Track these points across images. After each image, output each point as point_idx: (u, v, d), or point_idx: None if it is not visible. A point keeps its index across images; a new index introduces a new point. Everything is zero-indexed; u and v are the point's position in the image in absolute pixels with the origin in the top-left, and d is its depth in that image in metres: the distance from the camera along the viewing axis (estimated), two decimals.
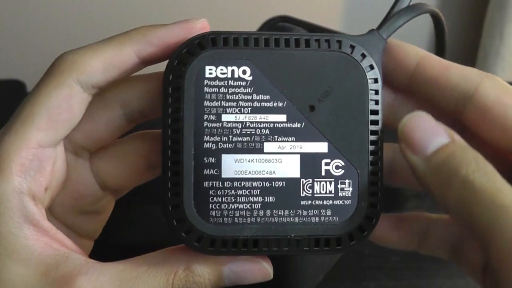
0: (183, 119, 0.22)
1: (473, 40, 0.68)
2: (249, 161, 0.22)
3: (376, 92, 0.22)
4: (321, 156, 0.22)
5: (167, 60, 0.23)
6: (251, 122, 0.22)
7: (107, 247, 0.28)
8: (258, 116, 0.22)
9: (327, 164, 0.22)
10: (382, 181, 0.22)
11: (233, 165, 0.22)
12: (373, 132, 0.22)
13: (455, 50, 0.72)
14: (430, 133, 0.21)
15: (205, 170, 0.22)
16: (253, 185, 0.22)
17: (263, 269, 0.23)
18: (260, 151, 0.22)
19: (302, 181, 0.22)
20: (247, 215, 0.22)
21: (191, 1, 0.67)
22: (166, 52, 0.23)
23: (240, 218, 0.22)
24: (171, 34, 0.23)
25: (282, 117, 0.22)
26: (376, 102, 0.22)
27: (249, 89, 0.22)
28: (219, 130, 0.22)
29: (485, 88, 0.22)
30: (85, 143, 0.25)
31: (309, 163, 0.22)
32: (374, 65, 0.22)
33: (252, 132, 0.22)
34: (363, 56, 0.22)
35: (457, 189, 0.20)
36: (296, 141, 0.22)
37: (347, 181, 0.22)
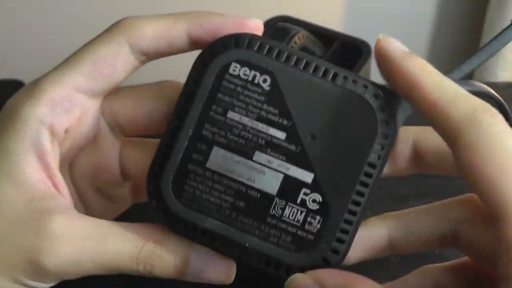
0: (194, 101, 0.22)
1: (473, 40, 0.68)
2: (235, 161, 0.22)
3: (382, 148, 0.22)
4: (303, 184, 0.22)
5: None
6: (252, 128, 0.22)
7: None
8: (260, 124, 0.22)
9: (305, 194, 0.22)
10: (352, 233, 0.22)
11: (220, 160, 0.22)
12: (363, 183, 0.22)
13: (455, 50, 0.72)
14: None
15: (194, 154, 0.22)
16: (230, 185, 0.22)
17: (229, 270, 0.23)
18: (250, 157, 0.22)
19: (276, 200, 0.22)
20: (214, 209, 0.22)
21: (191, 0, 0.67)
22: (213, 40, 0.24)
23: (206, 209, 0.22)
24: (224, 24, 0.23)
25: (282, 135, 0.22)
26: (378, 157, 0.22)
27: (263, 97, 0.22)
28: (221, 123, 0.22)
29: (460, 145, 0.20)
30: (124, 122, 0.25)
31: (289, 187, 0.22)
32: (390, 121, 0.22)
33: (249, 137, 0.22)
34: (382, 108, 0.22)
35: None
36: (285, 161, 0.22)
37: (318, 217, 0.22)
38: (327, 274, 0.22)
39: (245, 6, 0.68)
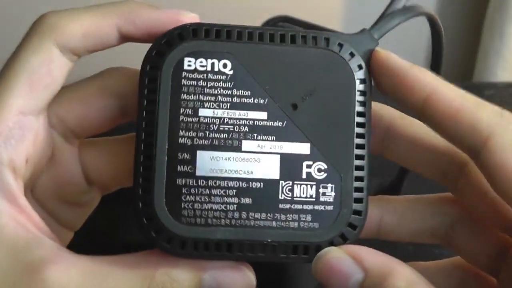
0: (158, 111, 0.21)
1: (473, 40, 0.68)
2: (225, 159, 0.21)
3: (363, 93, 0.21)
4: (303, 157, 0.21)
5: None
6: (230, 118, 0.21)
7: (95, 245, 0.27)
8: (237, 112, 0.21)
9: (308, 166, 0.21)
10: (368, 188, 0.21)
11: (209, 163, 0.21)
12: (359, 135, 0.21)
13: (455, 50, 0.72)
14: (343, 278, 0.20)
15: (178, 167, 0.21)
16: (229, 185, 0.21)
17: (246, 277, 0.21)
18: (238, 149, 0.21)
19: (282, 183, 0.21)
20: (221, 216, 0.21)
21: (190, 0, 0.67)
22: (147, 35, 0.22)
23: (213, 220, 0.21)
24: (157, 19, 0.22)
25: (263, 115, 0.21)
26: (363, 104, 0.21)
27: (229, 83, 0.21)
28: (196, 125, 0.21)
29: (492, 146, 0.20)
30: (75, 126, 0.24)
31: (290, 165, 0.21)
32: (363, 65, 0.22)
33: (230, 129, 0.21)
34: (352, 55, 0.22)
35: None
36: (276, 140, 0.21)
37: (329, 185, 0.21)
38: (365, 253, 0.20)
39: (245, 6, 0.68)
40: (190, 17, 0.22)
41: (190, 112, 0.21)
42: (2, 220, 0.19)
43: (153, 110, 0.21)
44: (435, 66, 0.29)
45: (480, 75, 0.67)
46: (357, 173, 0.21)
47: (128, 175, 0.22)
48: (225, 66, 0.21)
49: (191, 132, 0.21)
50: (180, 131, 0.21)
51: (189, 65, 0.21)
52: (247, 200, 0.21)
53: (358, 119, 0.21)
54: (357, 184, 0.21)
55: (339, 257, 0.20)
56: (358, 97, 0.21)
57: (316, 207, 0.21)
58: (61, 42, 0.21)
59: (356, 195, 0.21)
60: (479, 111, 0.20)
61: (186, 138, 0.21)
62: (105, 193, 0.27)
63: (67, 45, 0.21)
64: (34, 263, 0.19)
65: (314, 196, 0.21)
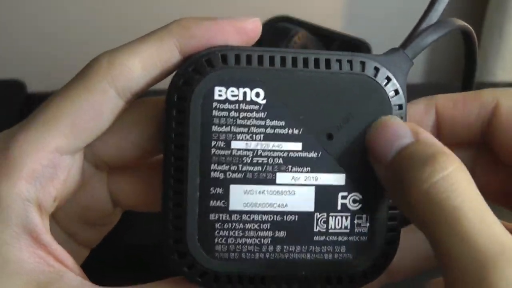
0: (188, 145, 0.20)
1: None
2: (259, 192, 0.20)
3: (401, 119, 0.21)
4: (338, 188, 0.20)
5: None
6: (263, 150, 0.20)
7: (106, 249, 0.27)
8: (271, 143, 0.20)
9: (343, 197, 0.20)
10: (401, 217, 0.21)
11: (242, 197, 0.20)
12: None
13: (455, 50, 0.72)
14: (392, 137, 0.19)
15: (211, 202, 0.20)
16: (263, 219, 0.20)
17: None
18: (272, 182, 0.20)
19: (317, 215, 0.20)
20: (255, 250, 0.20)
21: (190, 0, 0.67)
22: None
23: (247, 254, 0.20)
24: (219, 29, 0.20)
25: (298, 146, 0.20)
26: None
27: (262, 113, 0.20)
28: (228, 158, 0.20)
29: (502, 105, 0.21)
30: (108, 158, 0.23)
31: (325, 196, 0.20)
32: (399, 89, 0.21)
33: (264, 161, 0.20)
34: (388, 79, 0.20)
35: (414, 199, 0.18)
36: (311, 172, 0.20)
37: (364, 216, 0.20)
38: (424, 131, 0.20)
39: (245, 6, 0.68)
40: (253, 24, 0.21)
41: (222, 145, 0.20)
42: (24, 255, 0.19)
43: (183, 144, 0.20)
44: (468, 81, 0.27)
45: (479, 75, 0.67)
46: (391, 202, 0.21)
47: (158, 200, 0.21)
48: (257, 95, 0.20)
49: (224, 165, 0.20)
50: (212, 165, 0.20)
51: (220, 95, 0.20)
52: (281, 234, 0.20)
53: None
54: (391, 213, 0.21)
55: (397, 121, 0.20)
56: None
57: (351, 238, 0.20)
58: (119, 82, 0.20)
59: (390, 224, 0.21)
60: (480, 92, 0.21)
61: (218, 172, 0.20)
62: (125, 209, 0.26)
63: (126, 85, 0.20)
64: None
65: (349, 227, 0.20)
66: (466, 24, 0.24)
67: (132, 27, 0.69)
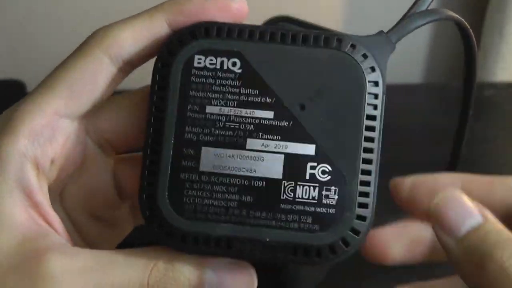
0: (167, 107, 0.21)
1: None
2: (229, 156, 0.21)
3: (376, 96, 0.21)
4: (308, 158, 0.21)
5: None
6: (236, 116, 0.21)
7: None
8: (244, 110, 0.21)
9: (312, 167, 0.21)
10: (374, 193, 0.21)
11: (213, 159, 0.21)
12: (368, 139, 0.21)
13: (455, 50, 0.72)
14: (462, 213, 0.21)
15: (183, 161, 0.21)
16: (231, 182, 0.21)
17: (248, 277, 0.21)
18: (242, 147, 0.21)
19: (284, 183, 0.21)
20: (222, 212, 0.21)
21: None
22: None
23: (214, 215, 0.21)
24: (205, 6, 0.22)
25: (269, 114, 0.21)
26: (375, 107, 0.21)
27: (237, 82, 0.21)
28: (202, 121, 0.21)
29: None
30: (112, 137, 0.24)
31: (294, 165, 0.21)
32: (376, 67, 0.21)
33: (236, 127, 0.21)
34: (364, 56, 0.21)
35: (492, 274, 0.19)
36: (281, 140, 0.21)
37: (333, 188, 0.20)
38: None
39: None
40: (238, 3, 0.22)
41: (197, 109, 0.21)
42: (15, 210, 0.20)
43: (162, 106, 0.21)
44: (469, 77, 0.27)
45: (480, 75, 0.67)
46: (363, 178, 0.21)
47: None
48: (234, 64, 0.21)
49: (197, 128, 0.21)
50: (187, 127, 0.21)
51: (199, 63, 0.21)
52: (248, 198, 0.21)
53: (368, 122, 0.21)
54: (362, 188, 0.21)
55: (465, 197, 0.21)
56: (369, 100, 0.21)
57: (318, 209, 0.20)
58: (112, 50, 0.21)
59: (361, 199, 0.21)
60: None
61: (192, 134, 0.21)
62: (137, 222, 0.26)
63: (118, 53, 0.21)
64: (38, 251, 0.20)
65: (316, 197, 0.21)
66: (457, 16, 0.24)
67: None
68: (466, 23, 0.24)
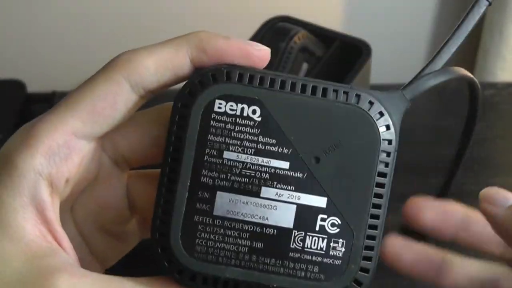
0: (184, 148, 0.21)
1: (473, 40, 0.68)
2: (243, 202, 0.21)
3: (388, 154, 0.22)
4: (318, 210, 0.21)
5: None
6: (252, 164, 0.21)
7: None
8: (260, 159, 0.21)
9: (323, 219, 0.21)
10: (378, 248, 0.22)
11: (227, 204, 0.21)
12: (377, 195, 0.21)
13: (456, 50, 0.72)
14: (505, 194, 0.24)
15: (197, 204, 0.21)
16: (244, 228, 0.21)
17: None
18: (257, 194, 0.21)
19: (294, 232, 0.21)
20: (232, 256, 0.21)
21: (192, 0, 0.67)
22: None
23: (224, 259, 0.21)
24: (228, 50, 0.22)
25: (285, 164, 0.21)
26: (386, 165, 0.22)
27: (256, 130, 0.21)
28: (219, 166, 0.21)
29: None
30: (127, 153, 0.24)
31: (305, 216, 0.21)
32: (391, 125, 0.22)
33: (252, 174, 0.21)
34: (381, 114, 0.22)
35: None
36: (295, 191, 0.21)
37: (340, 240, 0.21)
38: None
39: (245, 6, 0.68)
40: (261, 51, 0.22)
41: (215, 153, 0.21)
42: (27, 225, 0.20)
43: (180, 146, 0.21)
44: (468, 130, 0.28)
45: (480, 75, 0.67)
46: (370, 232, 0.21)
47: None
48: (254, 112, 0.21)
49: (214, 172, 0.21)
50: (203, 170, 0.21)
51: (219, 107, 0.21)
52: (259, 245, 0.21)
53: (379, 179, 0.21)
54: (368, 242, 0.21)
55: (502, 191, 0.25)
56: (382, 157, 0.22)
57: (325, 260, 0.21)
58: (134, 77, 0.22)
59: (366, 253, 0.21)
60: None
61: (208, 178, 0.21)
62: (144, 235, 0.26)
63: (139, 80, 0.22)
64: (48, 270, 0.20)
65: (324, 249, 0.21)
66: (469, 74, 0.25)
67: (132, 28, 0.69)
68: (478, 84, 0.26)
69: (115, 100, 0.22)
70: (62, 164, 0.21)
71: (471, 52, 0.69)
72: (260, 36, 0.46)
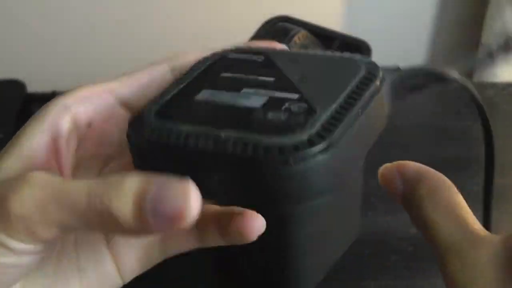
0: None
1: (473, 40, 0.68)
2: (223, 95, 0.23)
3: (367, 84, 0.23)
4: (288, 99, 0.23)
5: None
6: (241, 77, 0.24)
7: None
8: (250, 76, 0.24)
9: (290, 104, 0.22)
10: (343, 132, 0.21)
11: (208, 95, 0.23)
12: (348, 103, 0.22)
13: (455, 50, 0.72)
14: (394, 186, 0.23)
15: (182, 94, 0.24)
16: (214, 105, 0.23)
17: (186, 189, 0.19)
18: (237, 91, 0.23)
19: (259, 109, 0.22)
20: (194, 120, 0.22)
21: (192, 0, 0.67)
22: None
23: (186, 118, 0.22)
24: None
25: (271, 79, 0.24)
26: (364, 88, 0.23)
27: (257, 66, 0.25)
28: (212, 81, 0.24)
29: None
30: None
31: (273, 102, 0.23)
32: (376, 72, 0.24)
33: (239, 80, 0.24)
34: (367, 63, 0.24)
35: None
36: (272, 89, 0.23)
37: (302, 116, 0.22)
38: (407, 164, 0.23)
39: (245, 6, 0.68)
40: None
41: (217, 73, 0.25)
42: (38, 150, 0.22)
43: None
44: (488, 176, 0.30)
45: (480, 75, 0.67)
46: (335, 115, 0.22)
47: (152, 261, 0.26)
48: (259, 58, 0.26)
49: (206, 83, 0.24)
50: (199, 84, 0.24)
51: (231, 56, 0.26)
52: (223, 113, 0.23)
53: (352, 95, 0.23)
54: (330, 121, 0.22)
55: (389, 169, 0.23)
56: (360, 84, 0.23)
57: (282, 125, 0.21)
58: (172, 63, 0.26)
59: (327, 125, 0.21)
60: None
61: (200, 83, 0.24)
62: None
63: (178, 66, 0.26)
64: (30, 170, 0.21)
65: (284, 119, 0.22)
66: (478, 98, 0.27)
67: (131, 28, 0.69)
68: (490, 126, 0.28)
69: (155, 74, 0.25)
70: (89, 107, 0.24)
71: (471, 52, 0.69)
72: (260, 36, 0.46)
